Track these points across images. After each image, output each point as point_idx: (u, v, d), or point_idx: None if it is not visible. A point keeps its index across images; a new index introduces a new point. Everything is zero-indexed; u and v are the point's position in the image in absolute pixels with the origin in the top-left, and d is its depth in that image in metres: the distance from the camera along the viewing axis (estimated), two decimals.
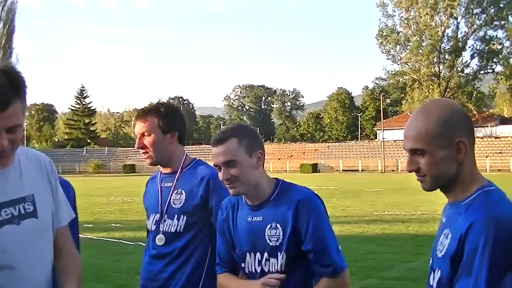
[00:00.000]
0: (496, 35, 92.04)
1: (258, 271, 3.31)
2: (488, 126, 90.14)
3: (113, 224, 20.10)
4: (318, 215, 3.22)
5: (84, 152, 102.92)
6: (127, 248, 14.83)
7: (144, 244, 4.30)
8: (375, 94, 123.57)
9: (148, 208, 4.13)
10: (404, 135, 2.67)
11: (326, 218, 3.26)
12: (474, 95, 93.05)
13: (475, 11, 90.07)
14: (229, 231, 3.49)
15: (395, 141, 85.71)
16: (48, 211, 2.75)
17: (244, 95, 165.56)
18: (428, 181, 2.65)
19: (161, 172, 4.16)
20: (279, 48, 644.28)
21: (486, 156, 76.22)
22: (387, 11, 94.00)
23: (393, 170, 79.73)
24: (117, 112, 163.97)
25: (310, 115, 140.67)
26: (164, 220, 3.95)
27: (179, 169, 4.04)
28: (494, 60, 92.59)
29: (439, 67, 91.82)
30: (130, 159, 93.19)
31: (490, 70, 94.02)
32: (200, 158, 4.18)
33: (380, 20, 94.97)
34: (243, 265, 3.39)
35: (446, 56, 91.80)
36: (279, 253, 3.23)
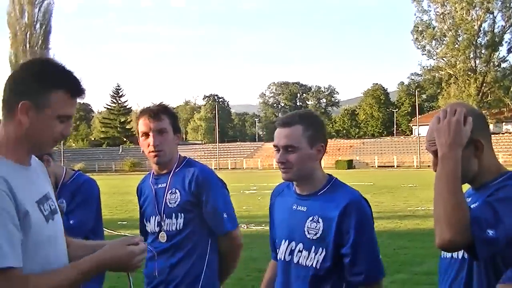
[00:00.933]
0: None
1: (288, 259, 3.30)
2: None
3: None
4: (363, 221, 3.17)
5: (120, 151, 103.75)
6: None
7: None
8: (411, 89, 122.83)
9: (147, 212, 4.20)
10: (427, 139, 2.78)
11: (371, 225, 3.22)
12: (511, 89, 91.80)
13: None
14: (272, 217, 3.56)
15: None
16: None
17: (279, 92, 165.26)
18: None
19: (152, 174, 4.24)
20: (314, 45, 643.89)
21: None
22: (422, 6, 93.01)
23: (428, 166, 78.51)
24: None
25: (345, 112, 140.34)
26: (164, 221, 4.04)
27: (173, 169, 4.10)
28: None
29: (475, 62, 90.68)
30: None
31: None
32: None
33: (415, 15, 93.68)
34: (277, 251, 3.41)
35: (483, 51, 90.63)
36: (314, 247, 3.21)
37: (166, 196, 4.07)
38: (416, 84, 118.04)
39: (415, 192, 31.88)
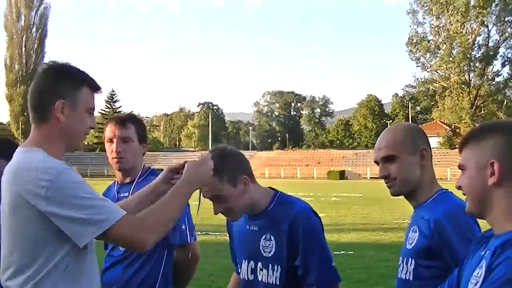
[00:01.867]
0: None
1: (251, 279, 3.36)
2: None
3: None
4: (311, 231, 3.22)
5: None
6: None
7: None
8: (405, 101, 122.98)
9: None
10: (375, 148, 3.04)
11: (319, 234, 3.26)
12: (504, 103, 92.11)
13: (506, 18, 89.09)
14: (231, 235, 3.61)
15: None
16: None
17: (274, 101, 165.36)
18: (397, 185, 3.06)
19: (117, 182, 4.30)
20: (309, 54, 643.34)
21: None
22: (417, 19, 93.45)
23: None
24: (146, 117, 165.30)
25: (340, 122, 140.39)
26: None
27: (136, 179, 4.18)
28: None
29: (469, 75, 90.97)
30: (158, 163, 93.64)
31: None
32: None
33: (410, 27, 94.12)
34: (239, 271, 3.48)
35: (477, 64, 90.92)
36: (270, 264, 3.27)
37: None
38: (410, 96, 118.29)
39: (404, 204, 31.50)
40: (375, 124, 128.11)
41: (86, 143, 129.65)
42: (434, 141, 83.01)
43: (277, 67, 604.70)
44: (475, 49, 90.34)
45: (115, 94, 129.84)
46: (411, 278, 2.94)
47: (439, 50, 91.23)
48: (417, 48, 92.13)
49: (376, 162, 3.14)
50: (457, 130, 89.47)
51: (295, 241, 3.19)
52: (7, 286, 2.72)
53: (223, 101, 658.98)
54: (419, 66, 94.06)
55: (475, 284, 2.11)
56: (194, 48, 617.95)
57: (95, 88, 2.90)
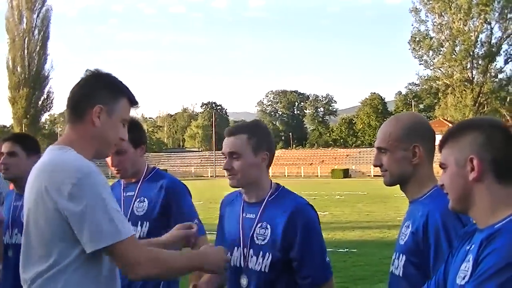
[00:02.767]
0: None
1: (243, 266, 3.41)
2: None
3: None
4: (309, 226, 3.32)
5: None
6: None
7: None
8: (408, 99, 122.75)
9: None
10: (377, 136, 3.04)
11: (317, 229, 3.36)
12: (507, 100, 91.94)
13: (509, 15, 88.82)
14: (222, 225, 3.66)
15: None
16: None
17: (277, 100, 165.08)
18: (387, 176, 3.09)
19: (123, 181, 4.35)
20: (312, 53, 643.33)
21: None
22: (419, 17, 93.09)
23: None
24: (150, 118, 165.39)
25: (343, 121, 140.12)
26: None
27: (141, 179, 4.20)
28: None
29: (472, 72, 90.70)
30: (162, 164, 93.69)
31: None
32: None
33: (412, 25, 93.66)
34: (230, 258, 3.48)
35: (480, 62, 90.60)
36: (261, 252, 3.33)
37: (134, 204, 4.17)
38: (413, 94, 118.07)
39: (408, 202, 31.82)
40: (379, 122, 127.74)
41: None
42: (437, 139, 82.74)
43: (280, 67, 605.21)
44: (478, 46, 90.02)
45: None
46: (401, 274, 2.96)
47: (442, 47, 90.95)
48: (420, 46, 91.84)
49: None
50: None
51: (292, 233, 3.27)
52: (23, 278, 2.76)
53: (227, 101, 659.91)
54: (422, 64, 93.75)
55: (463, 278, 2.14)
56: (197, 49, 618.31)
57: (133, 102, 3.02)
